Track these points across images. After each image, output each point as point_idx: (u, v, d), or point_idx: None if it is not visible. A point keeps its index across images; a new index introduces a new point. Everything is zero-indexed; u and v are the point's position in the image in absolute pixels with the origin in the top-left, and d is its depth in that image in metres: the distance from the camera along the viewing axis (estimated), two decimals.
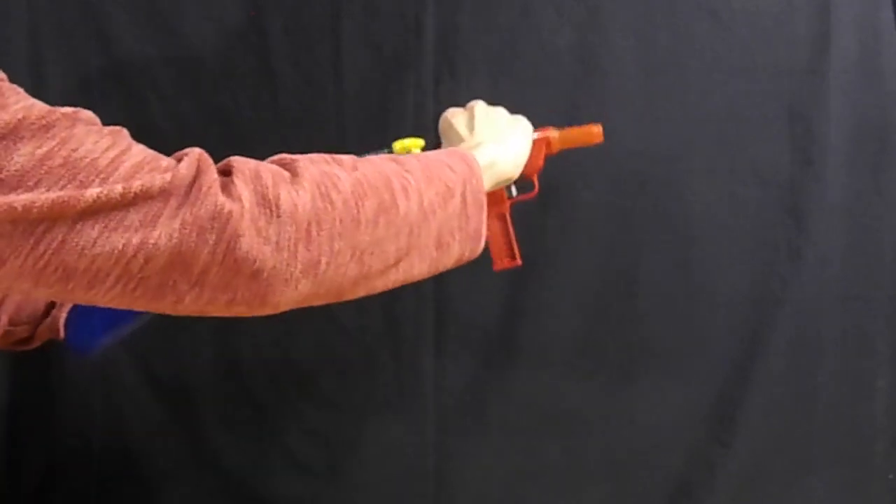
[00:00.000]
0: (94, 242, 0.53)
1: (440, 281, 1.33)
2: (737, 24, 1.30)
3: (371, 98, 1.31)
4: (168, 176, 0.55)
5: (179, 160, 0.58)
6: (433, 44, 1.30)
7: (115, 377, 1.33)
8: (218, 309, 0.58)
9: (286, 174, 0.61)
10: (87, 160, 0.53)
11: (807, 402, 1.36)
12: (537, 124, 0.99)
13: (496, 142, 0.88)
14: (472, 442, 1.37)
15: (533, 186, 0.97)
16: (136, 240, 0.53)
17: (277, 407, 1.36)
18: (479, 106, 0.94)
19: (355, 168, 0.66)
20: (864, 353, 1.37)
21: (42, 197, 0.51)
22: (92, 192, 0.52)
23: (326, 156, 0.67)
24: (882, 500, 1.39)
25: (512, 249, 0.97)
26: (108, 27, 1.29)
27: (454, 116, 0.94)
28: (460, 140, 0.90)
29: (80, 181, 0.52)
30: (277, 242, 0.57)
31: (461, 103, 1.29)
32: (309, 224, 0.59)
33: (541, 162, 0.97)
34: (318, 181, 0.62)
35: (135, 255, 0.53)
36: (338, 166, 0.65)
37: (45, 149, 0.52)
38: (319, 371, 1.34)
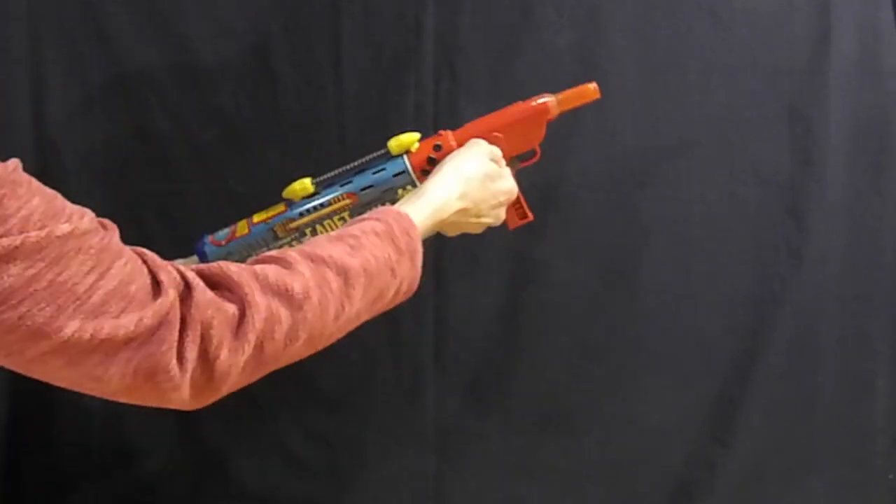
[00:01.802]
0: (59, 369, 0.61)
1: (440, 281, 1.33)
2: (737, 24, 1.30)
3: (371, 98, 1.31)
4: (132, 324, 0.61)
5: (156, 281, 0.64)
6: (433, 44, 1.30)
7: None
8: (146, 404, 0.67)
9: (234, 321, 0.66)
10: (69, 285, 0.59)
11: (807, 402, 1.36)
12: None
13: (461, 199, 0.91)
14: (472, 442, 1.38)
15: (534, 153, 1.00)
16: (93, 373, 0.62)
17: (277, 407, 1.36)
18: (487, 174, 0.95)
19: (301, 307, 0.70)
20: (864, 353, 1.37)
21: (23, 324, 0.57)
22: (67, 332, 0.58)
23: (283, 285, 0.70)
24: (882, 500, 1.39)
25: (523, 209, 1.00)
26: (109, 27, 1.29)
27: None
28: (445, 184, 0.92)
29: (59, 306, 0.58)
30: (204, 392, 0.66)
31: (461, 103, 1.31)
32: (237, 377, 0.67)
33: (542, 131, 0.98)
34: (260, 330, 0.67)
35: (89, 382, 0.63)
36: (286, 305, 0.69)
37: (34, 270, 0.57)
38: (319, 371, 1.34)
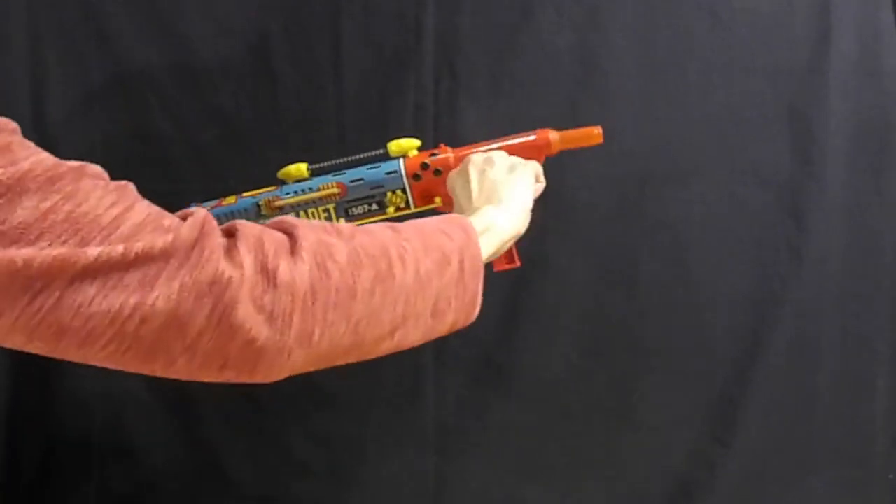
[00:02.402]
0: (91, 301, 0.53)
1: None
2: (737, 24, 1.30)
3: (371, 98, 1.31)
4: (170, 237, 0.55)
5: (184, 219, 0.58)
6: (433, 44, 1.30)
7: (115, 377, 1.33)
8: (209, 373, 0.58)
9: (287, 243, 0.61)
10: (91, 216, 0.53)
11: (807, 402, 1.37)
12: (536, 126, 0.99)
13: (495, 203, 0.85)
14: (472, 442, 1.38)
15: None
16: (133, 300, 0.53)
17: (277, 407, 1.36)
18: (473, 163, 0.91)
19: (353, 237, 0.66)
20: (864, 353, 1.37)
21: (42, 253, 0.51)
22: (93, 251, 0.52)
23: (327, 224, 0.66)
24: (882, 500, 1.39)
25: (511, 252, 0.97)
26: (109, 27, 1.29)
27: (454, 182, 0.92)
28: (462, 207, 0.88)
29: (82, 237, 0.52)
30: (272, 312, 0.57)
31: (461, 103, 1.31)
32: (305, 295, 0.59)
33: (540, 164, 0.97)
34: (315, 251, 0.61)
35: (131, 316, 0.54)
36: (336, 235, 0.65)
37: (49, 202, 0.52)
38: (319, 371, 1.34)
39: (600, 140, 0.97)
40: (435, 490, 1.38)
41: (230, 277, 0.56)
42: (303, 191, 0.96)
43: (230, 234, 0.60)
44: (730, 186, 1.33)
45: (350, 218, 0.95)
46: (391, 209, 0.95)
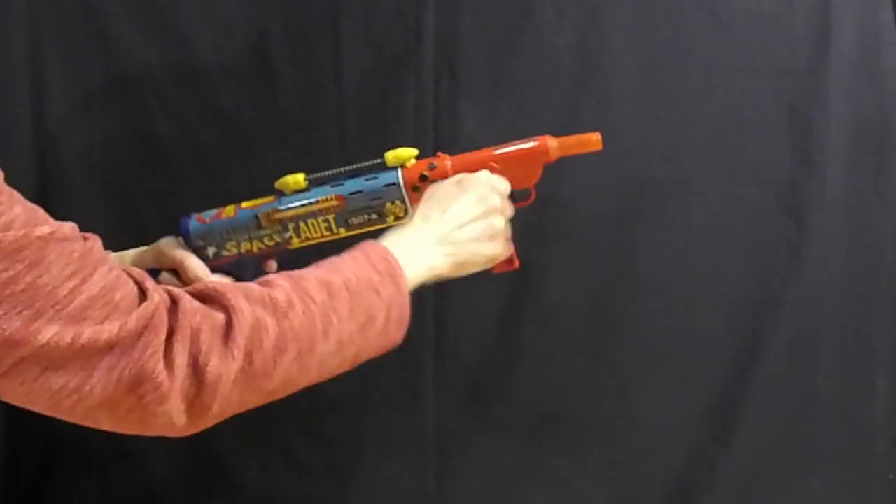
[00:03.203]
0: (35, 378, 0.57)
1: (440, 281, 1.33)
2: (737, 24, 1.30)
3: (371, 98, 1.31)
4: (115, 328, 0.59)
5: (141, 291, 0.62)
6: (433, 44, 1.30)
7: None
8: (129, 430, 0.65)
9: (223, 331, 0.65)
10: (48, 289, 0.56)
11: (807, 402, 1.36)
12: (535, 126, 0.98)
13: (444, 248, 0.87)
14: (472, 442, 1.37)
15: (529, 194, 0.96)
16: (72, 384, 0.58)
17: (277, 407, 1.36)
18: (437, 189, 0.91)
19: (285, 315, 0.69)
20: (864, 353, 1.37)
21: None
22: (44, 336, 0.56)
23: (266, 296, 0.69)
24: (882, 500, 1.39)
25: (510, 254, 0.97)
26: (109, 27, 1.29)
27: (432, 191, 0.92)
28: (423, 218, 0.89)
29: (37, 310, 0.56)
30: (193, 404, 0.63)
31: (461, 103, 1.31)
32: (230, 391, 0.65)
33: (539, 172, 0.96)
34: (248, 339, 0.65)
35: (69, 396, 0.58)
36: (271, 313, 0.68)
37: (12, 272, 0.55)
38: None
39: (599, 146, 0.97)
40: (435, 490, 1.38)
41: (162, 382, 0.61)
42: (302, 204, 0.96)
43: (173, 309, 0.63)
44: (730, 186, 1.33)
45: (350, 228, 0.95)
46: (391, 218, 0.95)
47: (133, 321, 0.60)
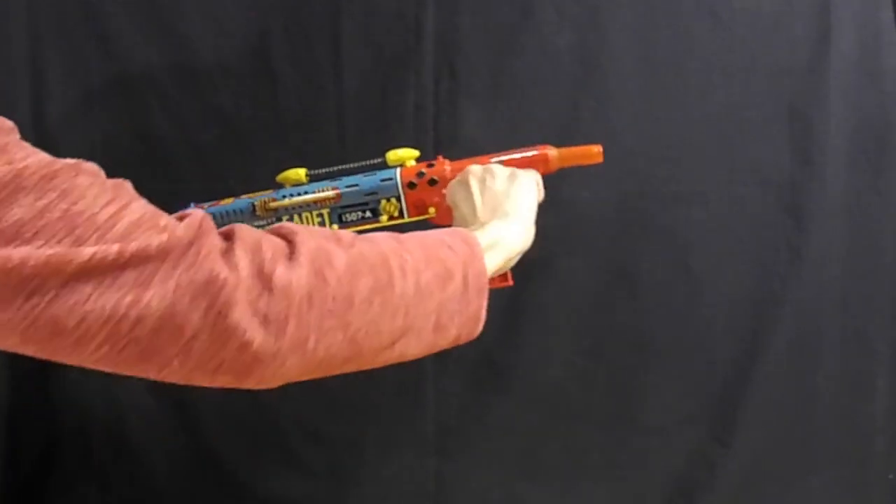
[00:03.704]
0: (87, 300, 0.52)
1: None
2: (737, 24, 1.30)
3: (371, 98, 1.31)
4: (165, 236, 0.55)
5: (181, 220, 0.58)
6: (433, 44, 1.30)
7: (115, 376, 1.33)
8: (203, 376, 0.58)
9: (285, 248, 0.61)
10: (86, 215, 0.53)
11: (807, 402, 1.37)
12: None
13: (500, 217, 0.84)
14: (472, 442, 1.38)
15: None
16: (128, 300, 0.53)
17: (278, 406, 1.36)
18: (473, 174, 0.90)
19: (353, 245, 0.65)
20: (864, 353, 1.37)
21: (38, 252, 0.51)
22: (88, 251, 0.52)
23: (327, 231, 0.66)
24: (882, 500, 1.39)
25: (505, 272, 0.97)
26: (109, 27, 1.29)
27: (454, 193, 0.91)
28: (466, 220, 0.87)
29: (78, 236, 0.52)
30: (267, 316, 0.57)
31: (461, 103, 1.31)
32: (301, 301, 0.59)
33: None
34: (314, 257, 0.61)
35: (126, 315, 0.53)
36: (335, 243, 0.64)
37: (45, 200, 0.52)
38: None
39: (600, 159, 0.96)
40: (435, 490, 1.38)
41: (226, 279, 0.55)
42: (298, 194, 0.96)
43: (228, 237, 0.59)
44: (730, 186, 1.33)
45: (343, 224, 0.95)
46: (384, 217, 0.95)
47: (183, 229, 0.55)
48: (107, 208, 0.54)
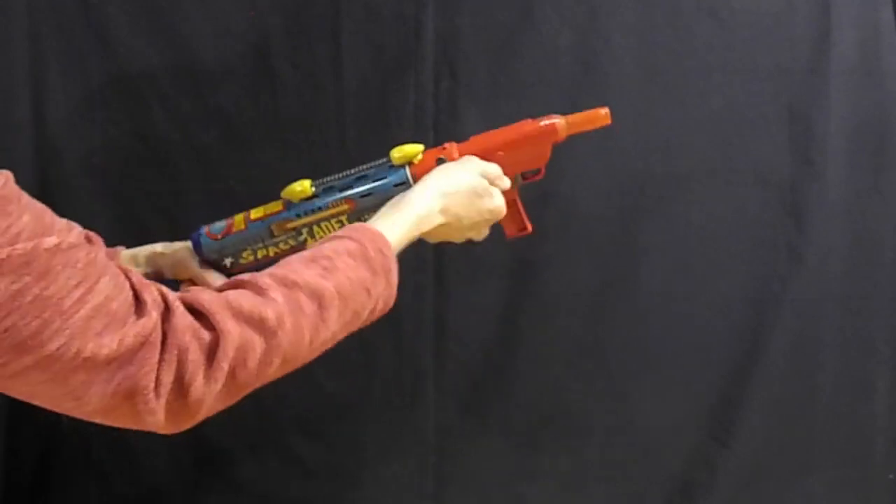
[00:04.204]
0: (39, 383, 0.61)
1: (440, 281, 1.33)
2: (737, 24, 1.30)
3: (371, 98, 1.31)
4: (114, 344, 0.61)
5: (137, 299, 0.64)
6: (433, 44, 1.30)
7: None
8: (121, 425, 0.67)
9: (207, 349, 0.66)
10: (55, 299, 0.58)
11: (807, 402, 1.36)
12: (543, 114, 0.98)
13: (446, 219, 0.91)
14: (472, 442, 1.37)
15: (539, 171, 0.98)
16: (73, 392, 0.61)
17: (278, 406, 1.36)
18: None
19: (274, 334, 0.70)
20: (864, 353, 1.37)
21: (8, 337, 0.57)
22: (51, 347, 0.58)
23: (255, 314, 0.69)
24: (882, 500, 1.39)
25: (522, 221, 0.99)
26: (109, 28, 1.29)
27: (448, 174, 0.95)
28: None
29: (44, 320, 0.58)
30: (177, 418, 0.66)
31: (461, 103, 1.31)
32: (211, 405, 0.68)
33: (548, 152, 0.97)
34: (234, 357, 0.67)
35: (69, 401, 0.62)
36: (260, 333, 0.69)
37: (20, 284, 0.57)
38: (320, 371, 1.34)
39: (608, 121, 0.97)
40: (435, 490, 1.38)
41: (150, 398, 0.63)
42: (313, 211, 0.95)
43: (166, 318, 0.65)
44: (730, 186, 1.33)
45: None
46: None
47: (131, 337, 0.62)
48: (74, 292, 0.60)
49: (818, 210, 1.33)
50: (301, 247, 0.95)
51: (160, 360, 0.64)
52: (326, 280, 0.74)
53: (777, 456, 1.37)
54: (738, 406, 1.36)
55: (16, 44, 1.27)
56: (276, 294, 0.71)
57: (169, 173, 1.31)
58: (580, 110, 1.28)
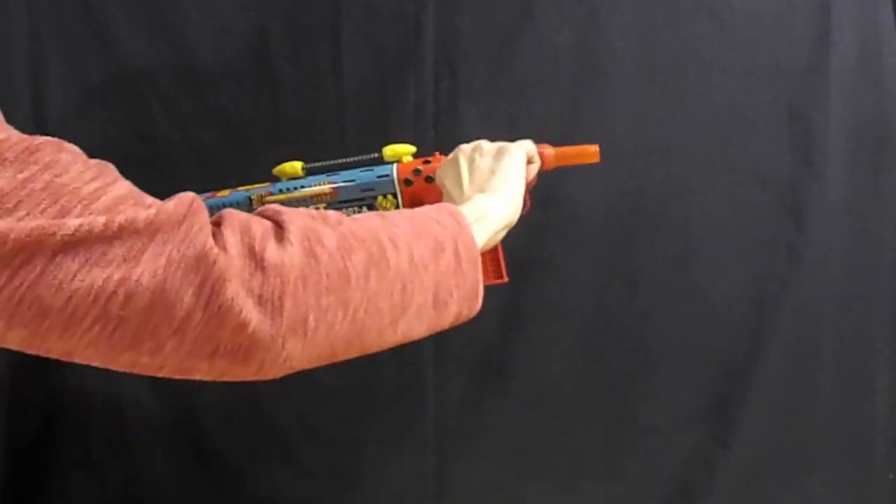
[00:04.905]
0: (74, 276, 0.49)
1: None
2: (737, 24, 1.30)
3: (371, 98, 1.31)
4: (153, 211, 0.53)
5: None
6: (433, 44, 1.30)
7: (115, 376, 1.33)
8: (200, 362, 0.55)
9: (273, 228, 0.60)
10: (70, 187, 0.51)
11: (807, 402, 1.36)
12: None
13: (485, 191, 0.84)
14: (472, 442, 1.37)
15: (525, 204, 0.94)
16: (117, 276, 0.50)
17: (277, 407, 1.36)
18: (462, 151, 0.90)
19: (340, 223, 0.64)
20: (864, 353, 1.37)
21: (20, 224, 0.48)
22: (73, 222, 0.50)
23: (313, 211, 0.65)
24: (882, 500, 1.39)
25: (499, 266, 0.96)
26: (109, 28, 1.29)
27: (444, 173, 0.91)
28: (452, 197, 0.87)
29: (62, 207, 0.50)
30: (261, 296, 0.55)
31: (461, 103, 1.31)
32: (295, 279, 0.57)
33: (533, 179, 0.95)
34: (303, 235, 0.59)
35: (115, 292, 0.50)
36: (322, 222, 0.63)
37: (26, 173, 0.50)
38: (320, 370, 1.34)
39: (597, 159, 0.96)
40: (435, 490, 1.38)
41: (217, 255, 0.53)
42: (294, 188, 0.97)
43: (216, 222, 0.58)
44: (730, 186, 1.33)
45: None
46: None
47: (172, 206, 0.54)
48: (91, 183, 0.52)
49: (818, 210, 1.33)
50: None
51: (216, 232, 0.55)
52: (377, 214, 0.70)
53: (777, 456, 1.37)
54: (738, 406, 1.36)
55: (16, 44, 1.27)
56: (328, 213, 0.66)
57: (169, 173, 1.31)
58: (580, 110, 1.29)
